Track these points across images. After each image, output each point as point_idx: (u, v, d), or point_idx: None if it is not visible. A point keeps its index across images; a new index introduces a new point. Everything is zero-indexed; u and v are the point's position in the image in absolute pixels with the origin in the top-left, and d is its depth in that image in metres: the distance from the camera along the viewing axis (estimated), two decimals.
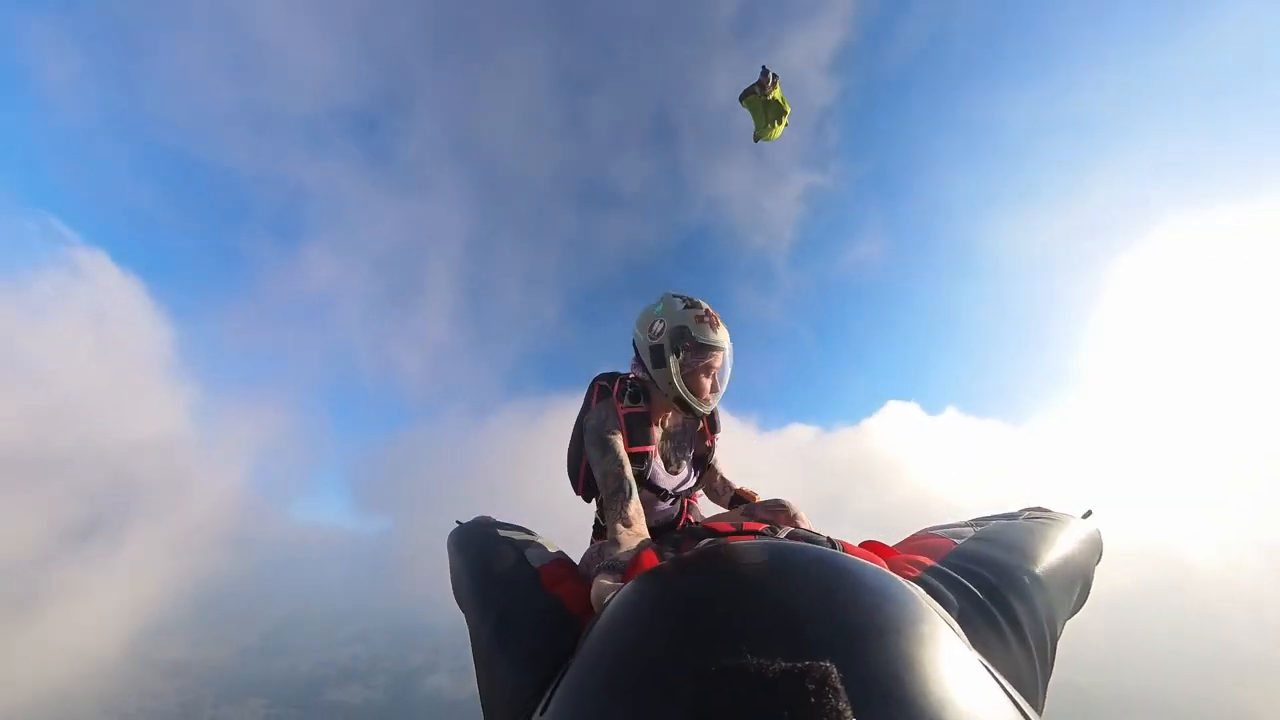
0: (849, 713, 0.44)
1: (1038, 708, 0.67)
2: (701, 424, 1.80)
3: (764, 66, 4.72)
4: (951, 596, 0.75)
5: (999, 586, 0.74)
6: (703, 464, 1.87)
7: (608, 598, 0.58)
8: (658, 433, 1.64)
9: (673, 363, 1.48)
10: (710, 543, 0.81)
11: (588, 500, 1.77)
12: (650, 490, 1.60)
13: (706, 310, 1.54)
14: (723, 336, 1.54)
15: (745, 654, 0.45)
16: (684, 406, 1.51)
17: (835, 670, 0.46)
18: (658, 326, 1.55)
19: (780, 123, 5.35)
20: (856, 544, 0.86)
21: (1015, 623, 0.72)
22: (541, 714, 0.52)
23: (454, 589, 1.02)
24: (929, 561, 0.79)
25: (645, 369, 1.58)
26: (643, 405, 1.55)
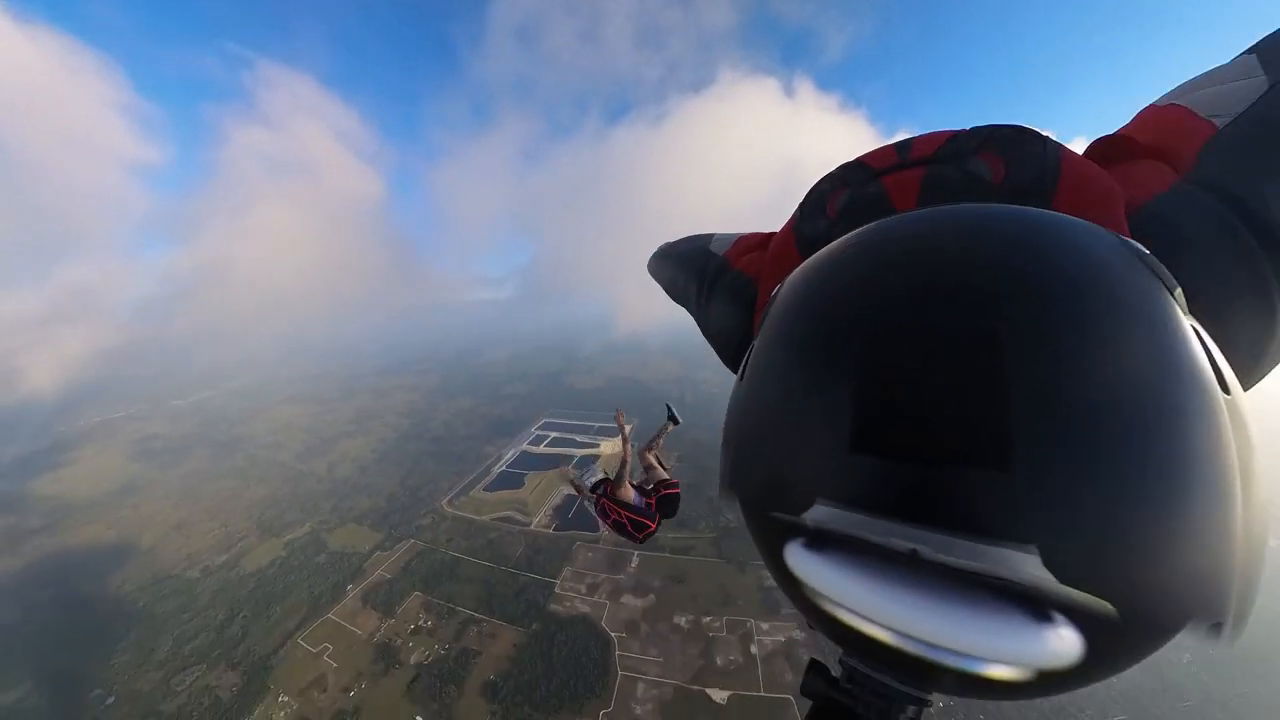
0: (1009, 375, 0.42)
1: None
2: None
3: None
4: (1207, 234, 0.59)
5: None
6: None
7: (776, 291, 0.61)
8: None
9: None
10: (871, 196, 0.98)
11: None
12: None
13: None
14: None
15: (911, 314, 0.45)
16: None
17: (1004, 332, 0.44)
18: None
19: None
20: (1081, 150, 0.79)
21: None
22: (741, 381, 0.56)
23: (669, 294, 1.77)
24: (1175, 175, 0.62)
25: None
26: None
